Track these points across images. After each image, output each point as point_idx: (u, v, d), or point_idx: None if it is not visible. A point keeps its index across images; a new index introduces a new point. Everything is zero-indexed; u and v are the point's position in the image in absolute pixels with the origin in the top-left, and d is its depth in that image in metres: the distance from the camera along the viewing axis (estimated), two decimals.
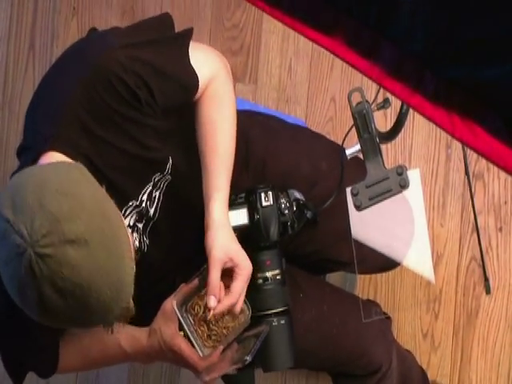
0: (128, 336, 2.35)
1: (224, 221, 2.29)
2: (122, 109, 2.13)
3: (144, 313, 2.37)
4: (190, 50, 2.28)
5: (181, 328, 2.28)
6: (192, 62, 2.27)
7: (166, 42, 2.29)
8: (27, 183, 1.82)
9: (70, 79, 2.15)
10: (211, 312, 2.23)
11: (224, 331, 2.33)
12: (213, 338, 2.32)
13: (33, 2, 3.46)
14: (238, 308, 2.25)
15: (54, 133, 2.10)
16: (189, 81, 2.27)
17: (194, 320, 2.32)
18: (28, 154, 2.15)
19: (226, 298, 2.23)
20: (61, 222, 1.74)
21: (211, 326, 2.32)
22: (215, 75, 2.33)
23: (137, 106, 2.14)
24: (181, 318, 2.28)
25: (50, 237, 1.71)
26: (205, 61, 2.31)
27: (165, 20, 2.38)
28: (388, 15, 1.23)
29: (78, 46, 2.32)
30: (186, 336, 2.28)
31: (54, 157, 2.07)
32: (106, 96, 2.11)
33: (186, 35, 2.31)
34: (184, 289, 2.30)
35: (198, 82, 2.27)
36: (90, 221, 1.79)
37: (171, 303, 2.27)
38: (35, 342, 2.28)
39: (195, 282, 2.30)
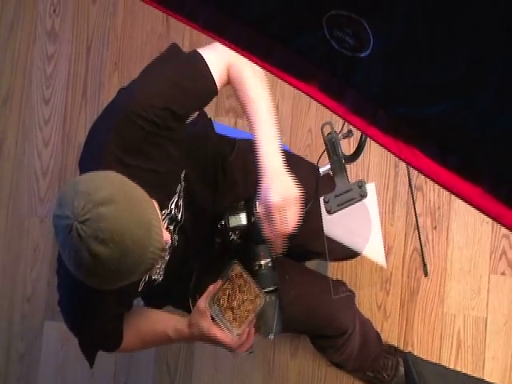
0: (173, 328, 2.33)
1: (277, 165, 2.24)
2: (146, 139, 2.12)
3: (172, 288, 2.41)
4: (202, 55, 2.22)
5: (213, 319, 2.27)
6: (208, 63, 2.21)
7: (179, 63, 2.25)
8: (66, 185, 1.86)
9: (105, 127, 2.15)
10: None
11: (245, 314, 2.31)
12: (238, 320, 2.30)
13: (85, 59, 3.45)
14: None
15: (97, 168, 2.04)
16: (207, 86, 2.22)
17: (221, 310, 2.31)
18: None
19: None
20: (91, 193, 1.78)
21: (235, 311, 2.31)
22: (229, 64, 2.27)
23: (156, 131, 2.11)
24: (212, 313, 2.27)
25: (86, 207, 1.75)
26: (215, 58, 2.23)
27: (173, 49, 2.36)
28: (351, 68, 1.24)
29: (113, 100, 2.29)
30: (217, 324, 2.28)
31: None
32: (132, 133, 2.10)
33: (197, 54, 2.24)
34: (211, 289, 2.29)
35: (215, 84, 2.22)
36: (113, 187, 1.83)
37: (204, 303, 2.26)
38: (105, 329, 2.29)
39: (219, 283, 2.29)
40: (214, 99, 2.96)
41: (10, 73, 3.52)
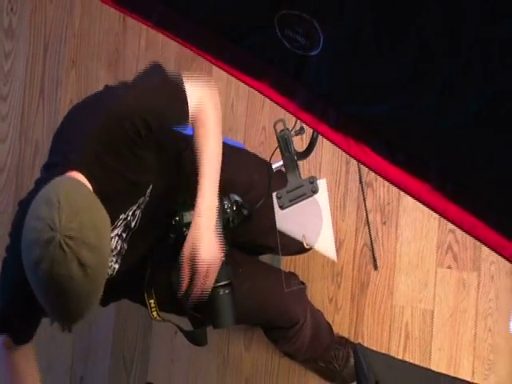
0: None
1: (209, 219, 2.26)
2: (127, 143, 2.12)
3: (128, 284, 2.41)
4: (185, 85, 2.24)
5: None
6: (187, 93, 2.23)
7: (163, 86, 2.25)
8: (55, 191, 1.86)
9: (91, 120, 2.15)
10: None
11: None
12: None
13: (42, 56, 3.42)
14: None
15: (76, 158, 2.09)
16: (182, 117, 2.23)
17: None
18: (55, 169, 2.13)
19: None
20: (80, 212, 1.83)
21: None
22: (204, 105, 2.28)
23: (138, 142, 2.12)
24: None
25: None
26: (193, 95, 2.24)
27: (157, 68, 2.34)
28: (301, 67, 1.24)
29: (97, 94, 2.31)
30: None
31: (74, 175, 2.06)
32: (116, 134, 2.10)
33: (179, 77, 2.26)
34: None
35: (188, 117, 2.23)
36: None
37: None
38: (28, 316, 2.25)
39: None
40: None
41: None
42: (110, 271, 2.31)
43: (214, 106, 2.31)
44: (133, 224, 2.28)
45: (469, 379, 2.80)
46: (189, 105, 2.24)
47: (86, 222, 1.84)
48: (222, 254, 2.27)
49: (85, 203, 1.89)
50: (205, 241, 2.23)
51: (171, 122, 2.25)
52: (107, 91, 2.31)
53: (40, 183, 2.07)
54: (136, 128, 2.12)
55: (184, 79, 2.26)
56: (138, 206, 2.26)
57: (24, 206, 2.02)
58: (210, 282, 2.27)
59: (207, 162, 2.28)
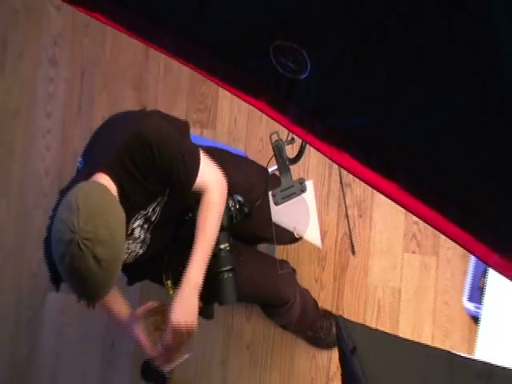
0: (119, 316, 2.38)
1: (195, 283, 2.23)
2: (144, 162, 2.12)
3: (149, 267, 2.42)
4: (202, 163, 2.21)
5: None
6: (201, 171, 2.20)
7: (188, 149, 2.23)
8: (77, 196, 1.90)
9: (122, 132, 2.15)
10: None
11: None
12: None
13: (79, 81, 3.40)
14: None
15: (105, 162, 2.10)
16: (188, 179, 2.19)
17: (151, 325, 2.32)
18: (85, 169, 2.17)
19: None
20: (95, 216, 1.87)
21: (162, 333, 2.28)
22: (211, 188, 2.23)
23: (151, 165, 2.13)
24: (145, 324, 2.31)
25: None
26: (207, 174, 2.22)
27: (186, 126, 2.37)
28: (292, 88, 1.23)
29: (130, 112, 2.35)
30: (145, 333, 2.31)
31: (101, 176, 2.08)
32: (137, 152, 2.11)
33: (198, 151, 2.24)
34: (150, 304, 2.33)
35: (193, 182, 2.19)
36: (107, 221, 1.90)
37: (140, 311, 2.31)
38: None
39: (156, 304, 2.34)
40: (184, 113, 2.94)
41: (19, 92, 3.47)
42: (133, 255, 2.31)
43: (221, 194, 2.26)
44: (153, 218, 2.27)
45: (429, 343, 2.79)
46: (197, 172, 2.20)
47: (101, 224, 1.88)
48: (196, 323, 2.25)
49: (100, 206, 1.92)
50: (182, 307, 2.21)
51: (175, 170, 2.18)
52: (142, 114, 2.32)
53: (73, 179, 2.19)
54: (152, 153, 2.12)
55: (201, 154, 2.23)
56: (157, 204, 2.25)
57: (61, 196, 2.10)
58: (189, 338, 2.28)
59: (203, 239, 2.24)
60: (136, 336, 2.31)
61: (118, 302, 2.36)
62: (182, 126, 2.37)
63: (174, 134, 2.22)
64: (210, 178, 2.23)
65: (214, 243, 2.24)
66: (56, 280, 2.17)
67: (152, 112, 2.37)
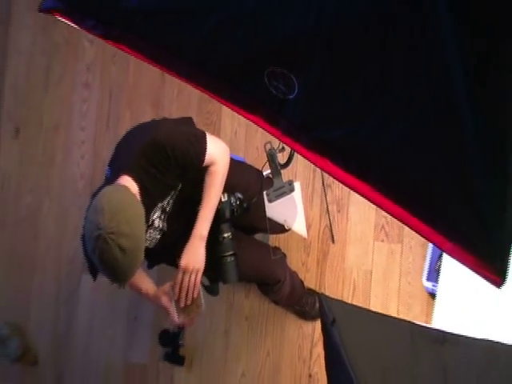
0: (145, 288, 2.36)
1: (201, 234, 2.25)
2: (161, 161, 2.13)
3: (166, 252, 2.40)
4: (208, 142, 2.21)
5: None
6: (208, 150, 2.20)
7: (193, 134, 2.24)
8: (102, 200, 1.94)
9: (139, 141, 2.17)
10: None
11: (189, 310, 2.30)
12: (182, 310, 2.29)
13: (108, 101, 3.41)
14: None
15: (128, 166, 2.11)
16: (197, 162, 2.19)
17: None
18: (112, 174, 2.18)
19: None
20: (117, 214, 1.89)
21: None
22: (217, 160, 2.24)
23: (168, 162, 2.14)
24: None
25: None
26: (213, 150, 2.22)
27: (190, 120, 2.39)
28: (282, 105, 1.22)
29: (148, 123, 2.35)
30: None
31: (125, 178, 2.10)
32: (155, 154, 2.12)
33: (202, 133, 2.25)
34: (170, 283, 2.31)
35: (201, 162, 2.20)
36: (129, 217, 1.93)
37: (168, 287, 2.29)
38: None
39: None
40: None
41: (59, 110, 3.46)
42: (154, 241, 2.31)
43: (224, 164, 2.26)
44: (168, 209, 2.29)
45: (395, 315, 2.79)
46: (205, 154, 2.20)
47: (122, 220, 1.90)
48: (203, 264, 2.26)
49: (121, 206, 1.95)
50: (190, 253, 2.24)
51: (188, 160, 2.19)
52: (154, 124, 2.32)
53: (102, 185, 2.18)
54: (167, 155, 2.13)
55: (207, 135, 2.23)
56: (171, 197, 2.27)
57: (92, 199, 2.09)
58: (196, 279, 2.26)
59: (209, 200, 2.26)
60: (163, 305, 2.30)
61: (144, 281, 2.36)
62: (187, 120, 2.40)
63: (180, 130, 2.24)
64: (216, 152, 2.23)
65: (217, 204, 2.27)
66: (93, 271, 2.18)
67: (161, 120, 2.39)
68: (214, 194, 2.26)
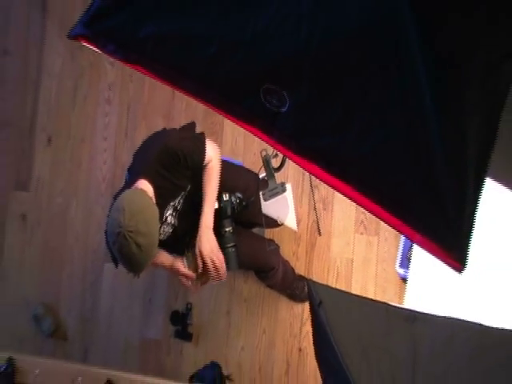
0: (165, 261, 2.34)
1: (208, 223, 2.25)
2: (173, 165, 2.14)
3: (176, 244, 2.37)
4: (206, 141, 2.24)
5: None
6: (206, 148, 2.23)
7: (197, 137, 2.26)
8: (123, 202, 1.94)
9: (153, 148, 2.16)
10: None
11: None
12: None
13: (126, 115, 3.40)
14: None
15: (144, 171, 2.11)
16: (200, 160, 2.21)
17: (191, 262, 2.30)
18: (131, 178, 2.17)
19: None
20: (136, 215, 1.89)
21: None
22: (213, 158, 2.25)
23: (179, 165, 2.15)
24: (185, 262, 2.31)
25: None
26: (209, 151, 2.24)
27: (193, 125, 2.38)
28: (276, 117, 1.22)
29: (160, 132, 2.34)
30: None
31: (142, 182, 2.09)
32: (167, 159, 2.12)
33: (203, 135, 2.27)
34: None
35: (203, 161, 2.22)
36: (145, 217, 1.93)
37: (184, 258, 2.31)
38: None
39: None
40: None
41: (85, 123, 3.45)
42: (167, 235, 2.31)
43: (218, 160, 2.28)
44: (178, 207, 2.28)
45: (372, 297, 2.79)
46: (205, 154, 2.22)
47: (140, 220, 1.91)
48: (216, 243, 2.26)
49: (139, 207, 1.95)
50: (204, 239, 2.23)
51: (194, 160, 2.20)
52: (165, 132, 2.32)
53: (122, 188, 2.18)
54: (178, 158, 2.13)
55: (205, 138, 2.25)
56: (181, 197, 2.26)
57: (114, 199, 2.08)
58: (220, 259, 2.25)
59: (209, 195, 2.26)
60: (181, 272, 2.29)
61: (160, 256, 2.32)
62: (191, 125, 2.39)
63: (186, 136, 2.25)
64: (211, 152, 2.25)
65: (216, 197, 2.27)
66: (115, 260, 2.18)
67: (170, 129, 2.39)
68: (212, 190, 2.26)
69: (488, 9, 0.98)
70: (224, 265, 2.28)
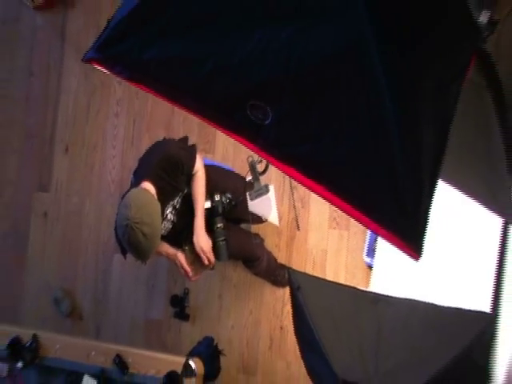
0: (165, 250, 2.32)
1: (201, 225, 2.26)
2: (173, 170, 2.13)
3: (175, 239, 2.35)
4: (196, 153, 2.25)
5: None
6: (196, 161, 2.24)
7: (190, 149, 2.27)
8: (129, 199, 1.94)
9: (155, 155, 2.16)
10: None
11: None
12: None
13: (132, 126, 3.38)
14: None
15: (148, 175, 2.10)
16: (191, 168, 2.22)
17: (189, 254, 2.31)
18: (136, 180, 2.15)
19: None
20: (140, 208, 1.89)
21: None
22: (199, 169, 2.26)
23: (178, 170, 2.15)
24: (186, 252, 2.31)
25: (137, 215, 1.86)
26: (198, 162, 2.24)
27: (187, 139, 2.40)
28: (260, 128, 1.21)
29: (161, 141, 2.33)
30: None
31: (146, 184, 2.08)
32: (168, 165, 2.12)
33: (195, 148, 2.28)
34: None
35: (193, 169, 2.23)
36: (149, 211, 1.93)
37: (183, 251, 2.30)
38: None
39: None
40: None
41: (96, 134, 3.42)
42: (167, 230, 2.29)
43: (203, 172, 2.28)
44: (177, 206, 2.27)
45: (343, 282, 2.79)
46: (195, 164, 2.23)
47: (145, 213, 1.91)
48: (210, 242, 2.27)
49: (144, 203, 1.95)
50: (200, 236, 2.24)
51: (188, 167, 2.21)
52: (164, 142, 2.32)
53: (129, 189, 2.16)
54: (176, 164, 2.13)
55: (196, 151, 2.26)
56: (179, 197, 2.25)
57: (122, 199, 2.08)
58: (210, 255, 2.27)
59: (199, 200, 2.26)
60: (179, 261, 2.28)
61: (163, 246, 2.31)
62: (184, 139, 2.41)
63: (182, 147, 2.25)
64: (199, 164, 2.25)
65: (204, 201, 2.28)
66: (124, 252, 2.17)
67: (169, 139, 2.40)
68: (200, 196, 2.26)
69: (440, 42, 1.00)
70: (213, 256, 2.28)
